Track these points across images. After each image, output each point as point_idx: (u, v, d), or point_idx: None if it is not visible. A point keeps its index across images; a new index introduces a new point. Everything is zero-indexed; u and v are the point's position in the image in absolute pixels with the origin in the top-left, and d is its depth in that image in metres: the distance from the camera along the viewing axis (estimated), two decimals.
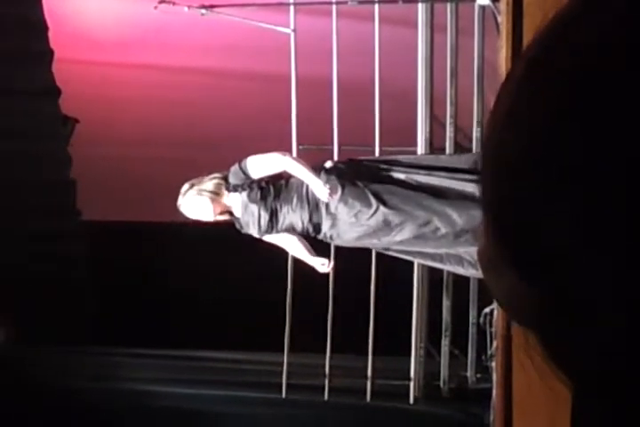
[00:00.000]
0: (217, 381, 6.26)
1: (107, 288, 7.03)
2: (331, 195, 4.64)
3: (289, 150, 5.65)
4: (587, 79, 0.53)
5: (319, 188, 4.65)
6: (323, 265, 4.90)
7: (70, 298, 6.93)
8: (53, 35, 6.56)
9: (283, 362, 5.81)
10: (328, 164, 4.85)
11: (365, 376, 5.82)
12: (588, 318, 0.55)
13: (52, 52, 6.58)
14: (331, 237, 4.85)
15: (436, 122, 5.63)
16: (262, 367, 6.24)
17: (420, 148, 5.54)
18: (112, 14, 6.89)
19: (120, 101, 6.98)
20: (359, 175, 4.75)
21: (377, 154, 5.60)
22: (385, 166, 4.85)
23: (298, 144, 5.71)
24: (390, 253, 4.97)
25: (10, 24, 6.40)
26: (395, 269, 5.33)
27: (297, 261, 5.49)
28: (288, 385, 5.86)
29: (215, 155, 6.55)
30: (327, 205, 4.73)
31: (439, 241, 4.73)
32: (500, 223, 0.59)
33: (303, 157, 5.59)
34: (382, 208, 4.68)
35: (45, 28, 6.51)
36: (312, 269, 5.11)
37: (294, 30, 5.65)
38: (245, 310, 6.53)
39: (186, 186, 4.78)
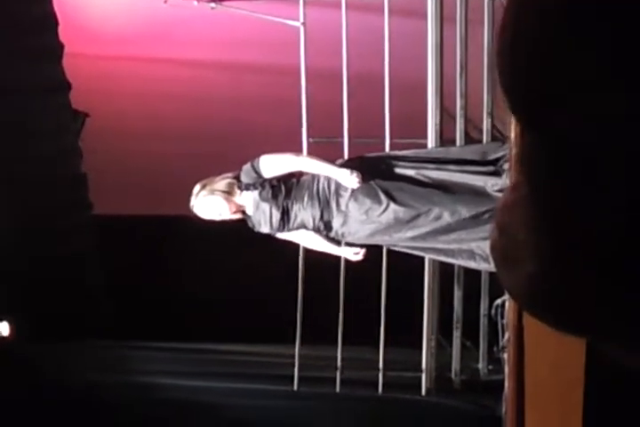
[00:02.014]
0: (228, 373, 6.27)
1: (118, 282, 7.05)
2: (360, 181, 4.64)
3: (299, 143, 5.66)
4: None
5: (346, 177, 4.65)
6: (356, 254, 4.92)
7: (81, 292, 6.95)
8: (63, 29, 6.56)
9: (294, 354, 5.83)
10: (338, 162, 4.85)
11: (377, 368, 5.82)
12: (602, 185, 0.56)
13: (61, 47, 6.58)
14: (342, 235, 4.85)
15: (445, 114, 5.63)
16: (274, 360, 6.25)
17: (430, 140, 5.54)
18: (122, 8, 6.90)
19: (130, 95, 6.99)
20: (369, 172, 4.75)
21: (387, 146, 5.60)
22: (394, 163, 4.85)
23: (308, 137, 5.71)
24: (402, 249, 4.98)
25: (19, 19, 6.41)
26: (406, 261, 5.33)
27: (308, 253, 5.50)
28: (300, 377, 5.87)
29: (225, 148, 6.56)
30: (338, 203, 4.73)
31: (450, 236, 4.73)
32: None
33: (314, 149, 5.60)
34: (392, 205, 4.68)
35: (55, 23, 6.52)
36: (322, 261, 5.11)
37: (304, 23, 5.65)
38: (257, 303, 6.54)
39: (197, 187, 4.77)
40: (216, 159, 6.43)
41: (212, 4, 5.80)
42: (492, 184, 4.65)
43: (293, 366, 5.85)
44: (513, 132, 3.40)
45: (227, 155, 6.31)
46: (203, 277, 6.86)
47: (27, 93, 6.53)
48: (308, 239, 4.96)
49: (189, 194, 4.82)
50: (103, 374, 6.29)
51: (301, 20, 5.67)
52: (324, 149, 5.58)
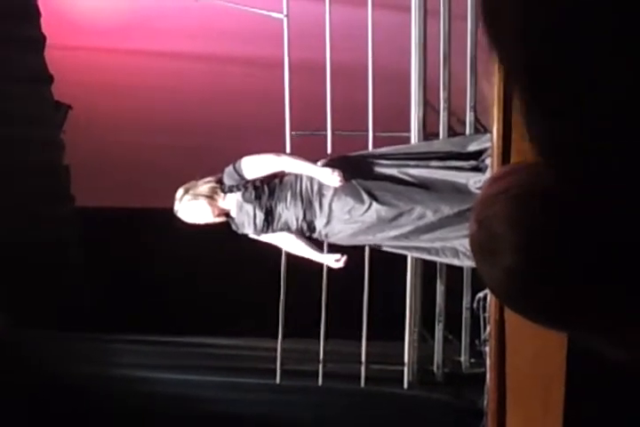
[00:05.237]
0: (211, 367, 6.26)
1: (101, 274, 7.03)
2: (342, 180, 4.64)
3: (282, 136, 5.64)
4: None
5: (327, 176, 4.65)
6: (337, 261, 4.92)
7: (65, 284, 6.93)
8: (46, 20, 6.53)
9: (277, 348, 5.82)
10: (320, 162, 4.85)
11: (359, 361, 5.83)
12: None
13: (44, 38, 6.55)
14: (326, 236, 4.86)
15: (429, 107, 5.63)
16: (257, 353, 6.25)
17: (414, 133, 5.53)
18: (105, 0, 6.87)
19: (113, 88, 6.97)
20: (351, 172, 4.75)
21: (370, 139, 5.60)
22: (376, 161, 4.85)
23: (291, 130, 5.70)
24: (385, 249, 4.98)
25: (1, 10, 6.38)
26: (389, 254, 5.34)
27: None
28: (282, 371, 5.87)
29: (208, 141, 6.55)
30: (321, 203, 4.74)
31: (433, 234, 4.73)
32: None
33: (297, 143, 5.59)
34: (375, 204, 4.69)
35: (38, 14, 6.49)
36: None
37: (287, 16, 5.64)
38: (240, 296, 6.53)
39: (180, 191, 4.78)
40: (199, 151, 6.42)
41: None
42: (475, 181, 4.65)
43: (276, 359, 5.85)
44: (495, 124, 3.40)
45: (210, 147, 6.30)
46: (187, 271, 6.85)
47: (9, 85, 6.50)
48: (290, 243, 4.96)
49: (172, 186, 4.81)
50: (86, 366, 6.28)
51: (285, 12, 5.65)
52: (307, 143, 5.57)
